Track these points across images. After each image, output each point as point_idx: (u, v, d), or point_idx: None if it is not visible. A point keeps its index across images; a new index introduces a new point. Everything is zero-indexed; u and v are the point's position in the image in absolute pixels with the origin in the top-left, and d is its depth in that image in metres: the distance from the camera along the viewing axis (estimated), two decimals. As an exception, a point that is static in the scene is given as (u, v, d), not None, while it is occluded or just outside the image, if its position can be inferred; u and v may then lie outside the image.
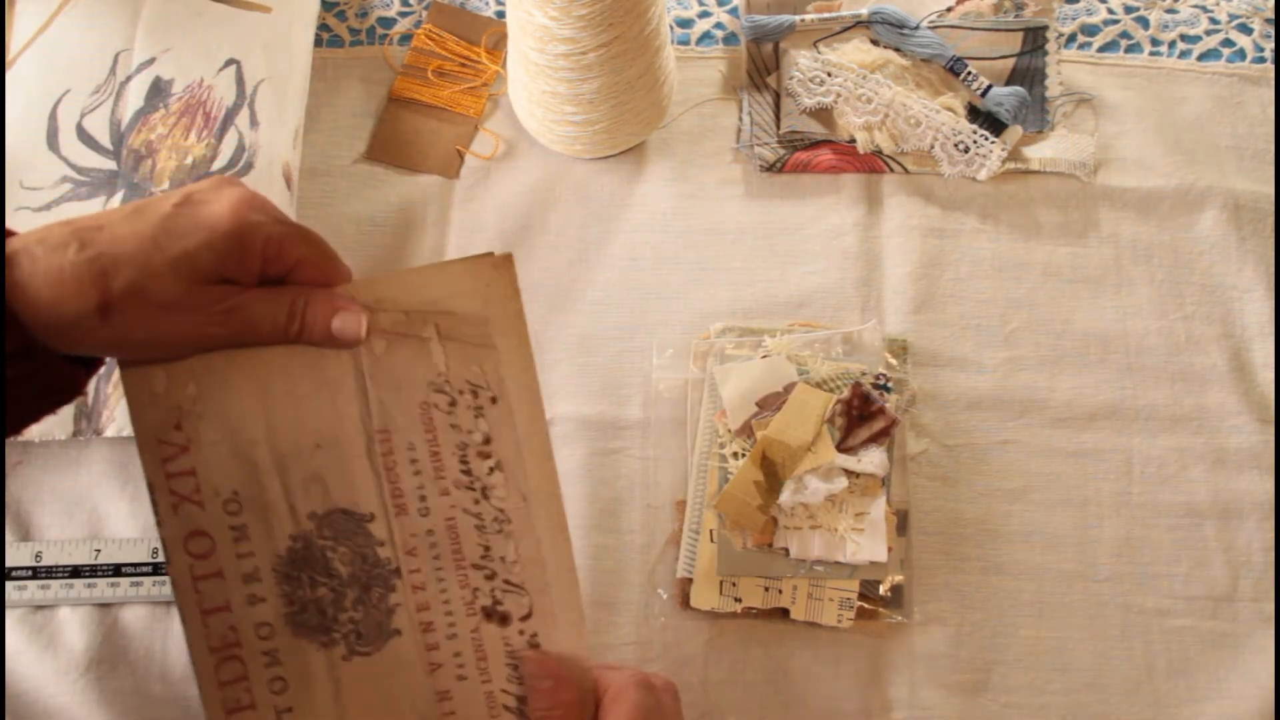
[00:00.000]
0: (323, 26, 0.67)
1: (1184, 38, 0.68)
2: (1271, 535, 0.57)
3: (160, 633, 0.54)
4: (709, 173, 0.64)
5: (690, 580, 0.54)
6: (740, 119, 0.65)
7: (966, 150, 0.63)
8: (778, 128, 0.64)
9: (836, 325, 0.60)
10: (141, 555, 0.55)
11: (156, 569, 0.55)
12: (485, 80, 0.66)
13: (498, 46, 0.66)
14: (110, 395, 0.55)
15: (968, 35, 0.66)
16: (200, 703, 0.52)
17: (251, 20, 0.62)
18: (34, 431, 0.54)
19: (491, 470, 0.41)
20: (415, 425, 0.40)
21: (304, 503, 0.40)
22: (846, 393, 0.55)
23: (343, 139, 0.64)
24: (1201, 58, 0.68)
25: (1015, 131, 0.63)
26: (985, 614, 0.55)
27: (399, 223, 0.62)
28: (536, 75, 0.58)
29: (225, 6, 0.62)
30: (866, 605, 0.54)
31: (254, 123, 0.60)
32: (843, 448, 0.55)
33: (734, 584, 0.54)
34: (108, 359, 0.44)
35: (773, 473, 0.54)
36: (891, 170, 0.63)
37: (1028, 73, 0.65)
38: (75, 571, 0.55)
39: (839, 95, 0.63)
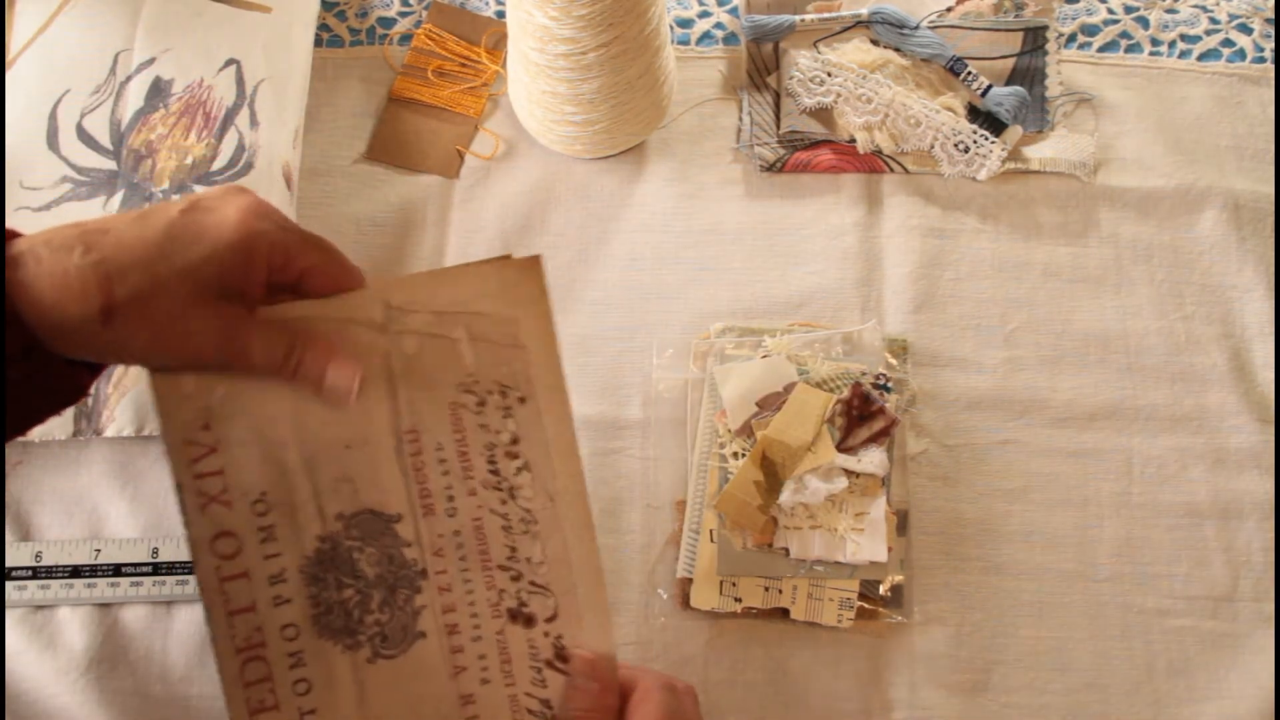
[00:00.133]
0: (323, 26, 0.67)
1: (1184, 38, 0.68)
2: (1271, 535, 0.57)
3: (160, 633, 0.54)
4: (709, 173, 0.64)
5: (690, 580, 0.54)
6: (740, 119, 0.65)
7: (966, 150, 0.63)
8: (778, 128, 0.64)
9: (836, 325, 0.60)
10: (141, 555, 0.55)
11: (156, 569, 0.55)
12: (485, 80, 0.66)
13: (498, 46, 0.66)
14: (110, 395, 0.55)
15: (968, 35, 0.66)
16: (199, 703, 0.53)
17: (251, 20, 0.62)
18: (34, 431, 0.54)
19: (519, 470, 0.41)
20: (444, 425, 0.40)
21: (332, 503, 0.40)
22: (846, 393, 0.55)
23: (343, 139, 0.64)
24: (1201, 58, 0.68)
25: (1015, 131, 0.63)
26: (985, 614, 0.55)
27: (399, 223, 0.62)
28: (536, 75, 0.58)
29: (225, 6, 0.62)
30: (866, 605, 0.54)
31: (254, 123, 0.60)
32: (843, 448, 0.55)
33: (734, 584, 0.54)
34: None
35: (773, 473, 0.54)
36: (891, 170, 0.63)
37: (1028, 73, 0.65)
38: (75, 571, 0.54)
39: (839, 95, 0.63)
